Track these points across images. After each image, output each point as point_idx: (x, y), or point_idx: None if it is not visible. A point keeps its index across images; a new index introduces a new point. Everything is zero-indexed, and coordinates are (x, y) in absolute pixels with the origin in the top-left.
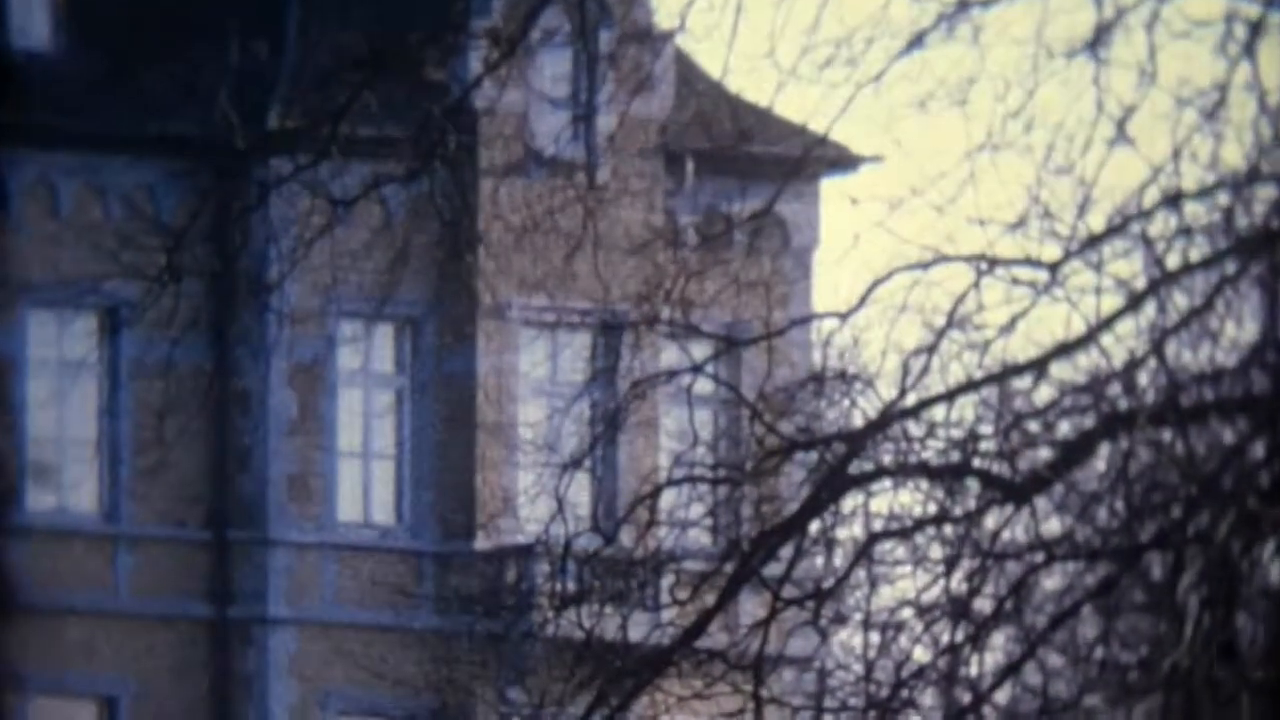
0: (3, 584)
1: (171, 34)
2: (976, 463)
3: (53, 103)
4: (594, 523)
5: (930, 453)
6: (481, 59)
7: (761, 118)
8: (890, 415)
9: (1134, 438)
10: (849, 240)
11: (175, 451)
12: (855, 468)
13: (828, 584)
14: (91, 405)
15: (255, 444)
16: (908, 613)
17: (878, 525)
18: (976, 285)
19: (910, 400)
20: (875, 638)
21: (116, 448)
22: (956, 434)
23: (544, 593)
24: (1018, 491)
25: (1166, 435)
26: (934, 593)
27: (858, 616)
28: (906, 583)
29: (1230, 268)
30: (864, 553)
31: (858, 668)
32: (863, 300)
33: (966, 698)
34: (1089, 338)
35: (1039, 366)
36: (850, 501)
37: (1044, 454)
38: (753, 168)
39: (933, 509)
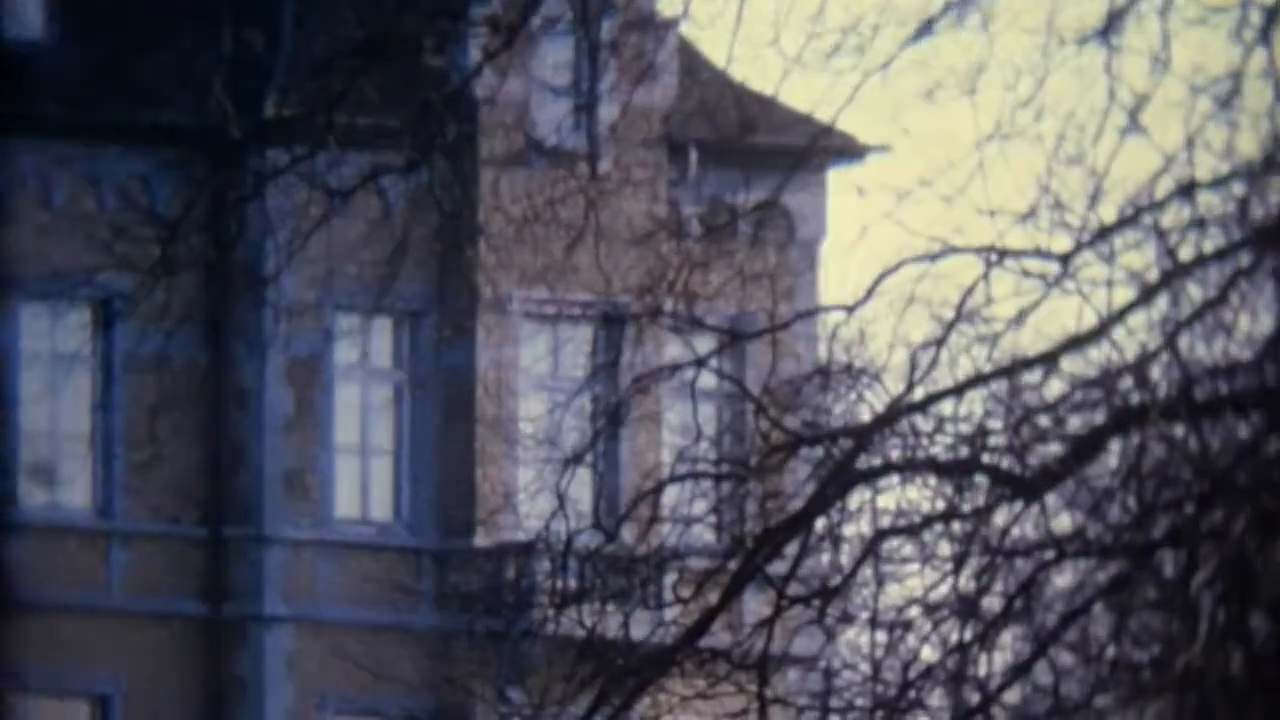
0: (3, 582)
1: (166, 23)
2: (986, 458)
3: (46, 92)
4: (595, 519)
5: (939, 448)
6: (481, 47)
7: (766, 107)
8: (898, 410)
9: (1146, 433)
10: (856, 231)
11: (170, 447)
12: (862, 463)
13: (834, 582)
14: (85, 399)
15: (251, 439)
16: (915, 611)
17: (885, 522)
18: (986, 277)
19: (918, 394)
20: (882, 637)
21: (110, 443)
22: (965, 429)
23: (545, 590)
24: (1028, 487)
25: (1179, 430)
26: (942, 591)
27: (864, 615)
28: (914, 581)
29: (1245, 259)
30: (871, 550)
31: (864, 667)
32: (870, 292)
33: (975, 698)
34: (1100, 331)
35: (1049, 360)
36: (857, 498)
37: (1054, 449)
38: (758, 158)
39: (941, 505)
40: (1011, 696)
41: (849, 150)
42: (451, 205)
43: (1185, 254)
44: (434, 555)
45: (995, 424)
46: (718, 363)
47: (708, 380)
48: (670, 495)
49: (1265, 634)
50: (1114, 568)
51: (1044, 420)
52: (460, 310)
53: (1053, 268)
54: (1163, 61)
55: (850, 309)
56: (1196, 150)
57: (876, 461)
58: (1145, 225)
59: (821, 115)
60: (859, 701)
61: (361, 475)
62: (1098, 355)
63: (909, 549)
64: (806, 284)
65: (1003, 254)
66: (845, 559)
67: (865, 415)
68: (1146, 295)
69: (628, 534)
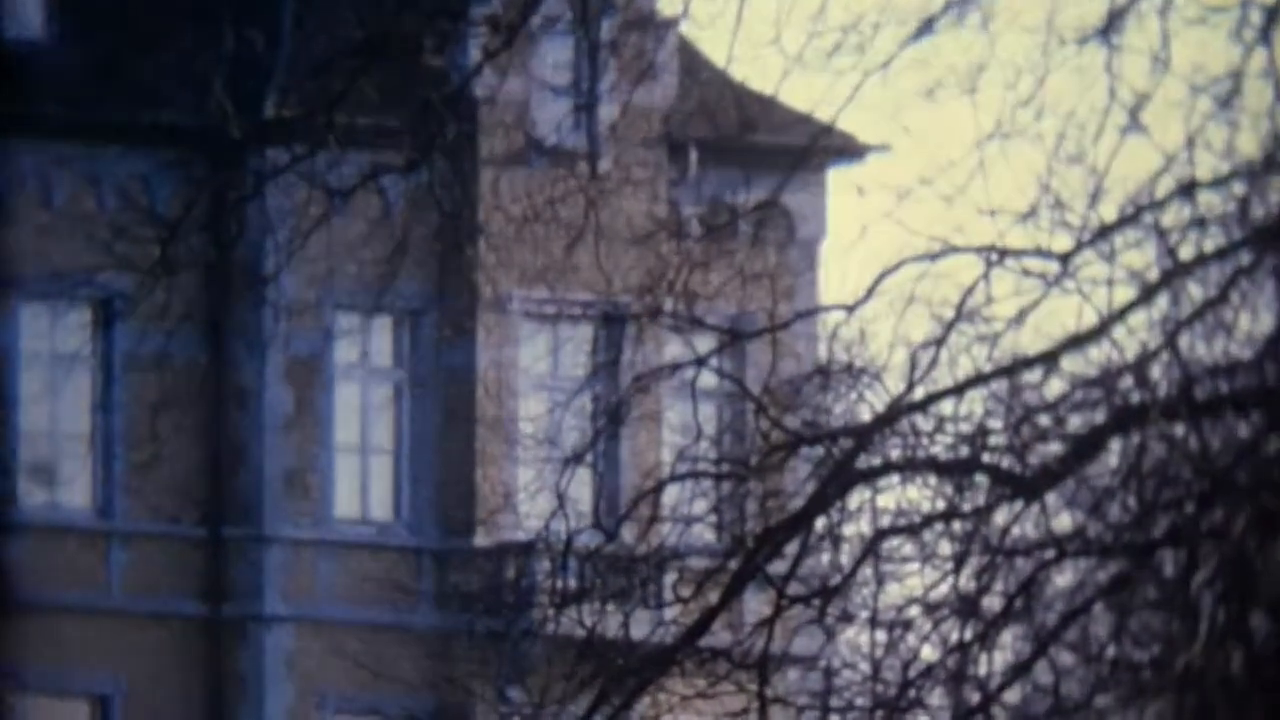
0: (2, 582)
1: (166, 22)
2: (986, 458)
3: (46, 92)
4: (595, 519)
5: (939, 447)
6: (481, 46)
7: (766, 106)
8: (898, 409)
9: (1147, 432)
10: (856, 231)
11: (170, 446)
12: (862, 463)
13: (834, 581)
14: (85, 399)
15: (251, 439)
16: (915, 611)
17: (885, 521)
18: (986, 277)
19: (918, 394)
20: (882, 636)
21: (110, 443)
22: (965, 428)
23: (544, 590)
24: (1028, 487)
25: (1180, 429)
26: (942, 590)
27: (864, 614)
28: (914, 580)
29: (1245, 259)
30: (871, 549)
31: (864, 667)
32: (870, 292)
33: (975, 697)
34: (1101, 330)
35: (1050, 359)
36: (857, 497)
37: (1055, 448)
38: (758, 157)
39: (941, 505)
40: (1012, 696)
41: (849, 150)
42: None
43: (1186, 253)
44: (434, 555)
45: (995, 423)
46: (718, 362)
47: (708, 380)
48: (670, 495)
49: (1265, 633)
50: (1114, 567)
51: (1044, 419)
52: (460, 310)
53: (1053, 267)
54: (1163, 61)
55: (850, 308)
56: (1197, 149)
57: (877, 461)
58: (1146, 224)
59: (822, 114)
60: (859, 701)
61: (361, 475)
62: (1098, 354)
63: (909, 548)
64: (806, 283)
65: (1003, 253)
66: (845, 558)
67: (865, 415)
68: (1147, 294)
69: (628, 533)
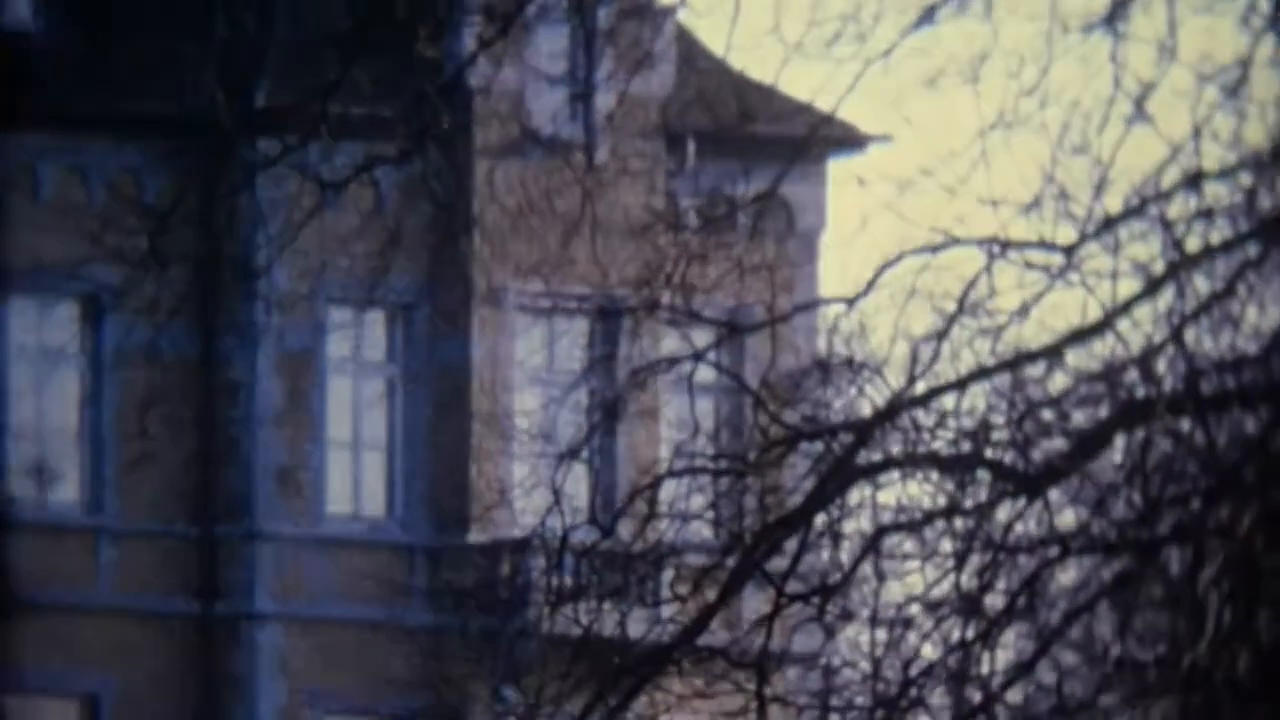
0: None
1: (155, 12)
2: (988, 453)
3: (34, 83)
4: (592, 515)
5: (940, 443)
6: (476, 35)
7: (766, 96)
8: (899, 404)
9: (1152, 427)
10: (856, 223)
11: (160, 443)
12: (862, 458)
13: (833, 579)
14: (73, 395)
15: (242, 434)
16: (916, 609)
17: (885, 518)
18: (988, 269)
19: (920, 388)
20: (883, 635)
21: (99, 439)
22: (967, 424)
23: (540, 588)
24: (1031, 483)
25: (1186, 425)
26: (944, 588)
27: (865, 612)
28: (915, 578)
29: (1252, 251)
30: (871, 547)
31: (865, 665)
32: (870, 285)
33: (977, 697)
34: (1105, 324)
35: (1053, 354)
36: (857, 493)
37: (1058, 444)
38: (757, 148)
39: (943, 501)
40: (1014, 695)
41: (849, 140)
42: (445, 196)
43: (1192, 245)
44: (427, 552)
45: (998, 418)
46: (716, 356)
47: (706, 374)
48: (668, 491)
49: (1272, 632)
50: (1119, 565)
51: (1047, 415)
52: (454, 303)
53: (1057, 259)
54: (1169, 49)
55: (851, 301)
56: (1203, 140)
57: (877, 456)
58: (1151, 216)
59: (822, 104)
60: (859, 700)
61: (354, 470)
62: (1102, 348)
63: (910, 545)
64: (806, 276)
65: (1006, 245)
66: (845, 555)
67: (866, 409)
68: (1152, 287)
69: (624, 530)
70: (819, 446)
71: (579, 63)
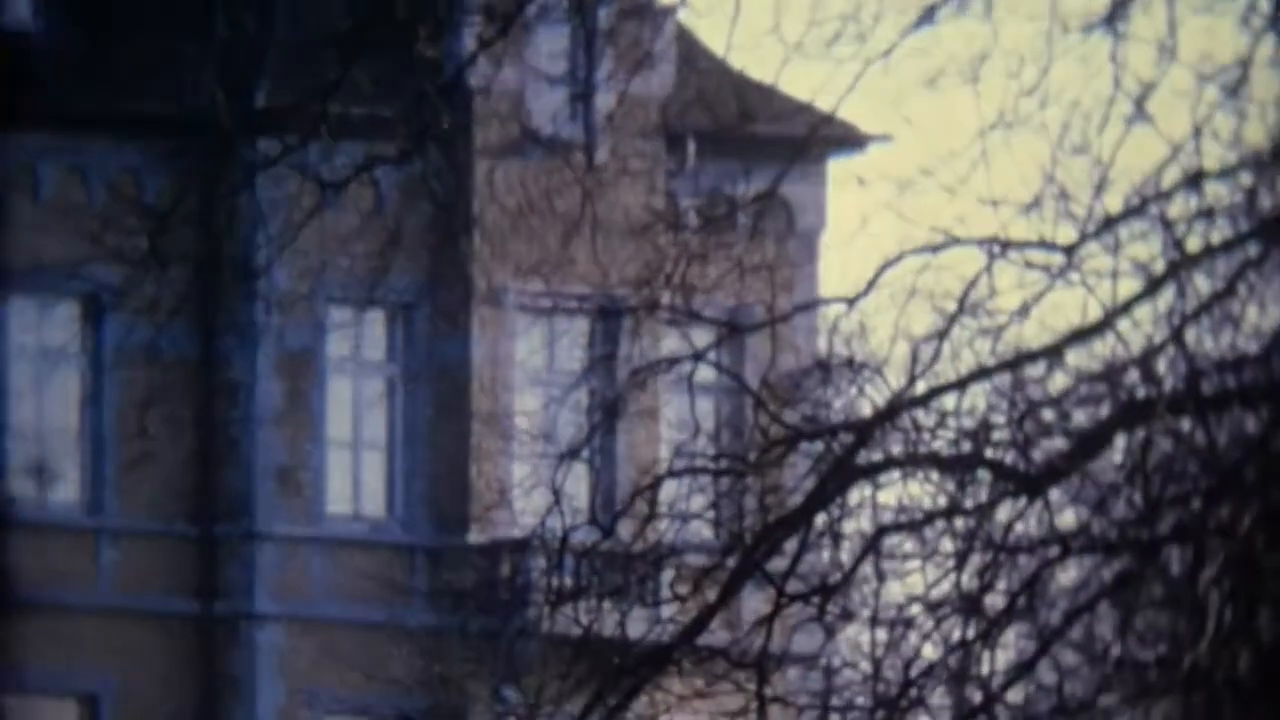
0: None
1: (155, 12)
2: (989, 453)
3: (33, 83)
4: (592, 515)
5: (941, 443)
6: (476, 35)
7: (766, 96)
8: (899, 404)
9: (1152, 427)
10: (856, 223)
11: (160, 443)
12: (863, 458)
13: (834, 579)
14: (73, 395)
15: (242, 434)
16: (917, 609)
17: (886, 518)
18: (989, 269)
19: (920, 388)
20: (883, 635)
21: (99, 439)
22: (968, 423)
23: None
24: (1031, 483)
25: (1186, 424)
26: (944, 588)
27: (865, 612)
28: (916, 578)
29: (1253, 250)
30: (872, 547)
31: (865, 666)
32: (871, 285)
33: (978, 697)
34: (1106, 323)
35: (1054, 353)
36: (857, 493)
37: (1059, 444)
38: (757, 148)
39: (943, 501)
40: (1015, 696)
41: (850, 140)
42: (445, 196)
43: (1192, 245)
44: (427, 552)
45: (998, 418)
46: (716, 356)
47: (706, 374)
48: (668, 491)
49: (1273, 632)
50: (1119, 565)
51: (1048, 414)
52: (454, 303)
53: (1057, 259)
54: (1169, 49)
55: (851, 301)
56: (1204, 139)
57: (877, 456)
58: (1151, 216)
59: (822, 104)
60: (859, 700)
61: (354, 470)
62: (1103, 348)
63: (910, 545)
64: (806, 276)
65: (1006, 245)
66: (845, 556)
67: (866, 409)
68: (1152, 287)
69: (625, 530)
70: (819, 446)
71: (579, 63)
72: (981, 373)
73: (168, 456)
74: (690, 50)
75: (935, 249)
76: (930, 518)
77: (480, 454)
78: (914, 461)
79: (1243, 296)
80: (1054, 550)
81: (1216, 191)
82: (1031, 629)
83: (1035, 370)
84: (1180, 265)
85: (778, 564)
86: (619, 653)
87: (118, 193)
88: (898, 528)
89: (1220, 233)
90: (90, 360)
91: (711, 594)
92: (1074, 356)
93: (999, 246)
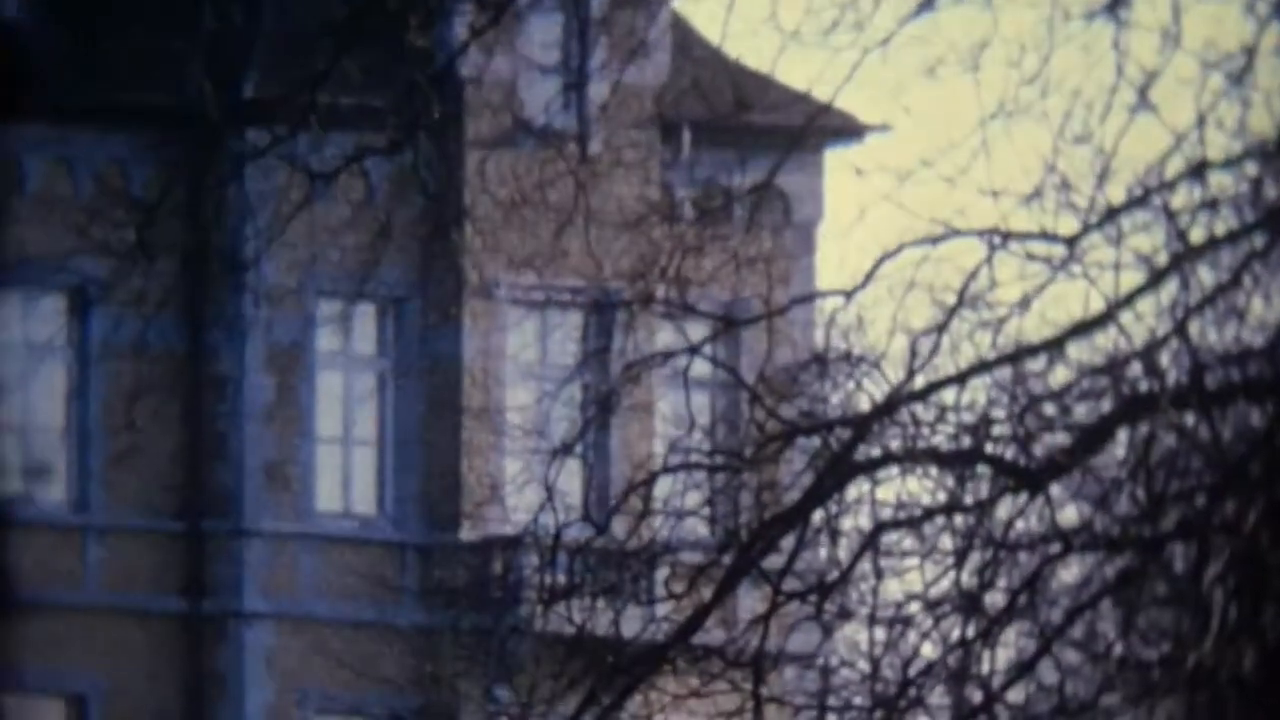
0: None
1: (143, 3)
2: (989, 448)
3: (22, 75)
4: (585, 512)
5: (940, 438)
6: (468, 24)
7: (762, 85)
8: (898, 399)
9: (1156, 422)
10: (854, 214)
11: (147, 438)
12: (861, 454)
13: (831, 577)
14: (59, 389)
15: (230, 429)
16: (916, 607)
17: (884, 515)
18: (989, 261)
19: (919, 383)
20: (881, 633)
21: (85, 434)
22: (968, 418)
23: (533, 586)
24: (1032, 479)
25: (1190, 419)
26: (944, 586)
27: (863, 611)
28: (915, 575)
29: (1258, 241)
30: (870, 544)
31: (863, 665)
32: (869, 277)
33: (978, 697)
34: (1108, 316)
35: (1055, 347)
36: (855, 490)
37: (1060, 439)
38: (753, 138)
39: (942, 497)
40: (1015, 695)
41: (847, 130)
42: (437, 188)
43: (1196, 236)
44: (418, 549)
45: (999, 413)
46: (711, 350)
47: (701, 368)
48: (662, 487)
49: (1278, 629)
50: (1122, 562)
51: (1049, 409)
52: (446, 296)
53: (1059, 251)
54: (1173, 36)
55: (848, 294)
56: (1208, 129)
57: (875, 452)
58: (1155, 206)
59: (819, 93)
60: (857, 700)
61: (344, 466)
62: (1105, 341)
63: (909, 542)
64: (803, 268)
65: (1007, 236)
66: (843, 553)
67: (864, 404)
68: (1156, 279)
69: (618, 527)
70: (816, 442)
71: (572, 52)
72: (982, 366)
73: (155, 452)
74: (685, 39)
75: (935, 240)
76: (929, 514)
77: (472, 450)
78: (913, 457)
79: (1247, 288)
80: (1055, 547)
81: (1221, 181)
82: (1032, 627)
83: (1036, 364)
84: (1184, 257)
85: (774, 561)
86: (613, 651)
87: (105, 185)
88: (896, 524)
89: (1225, 223)
90: (76, 354)
91: (707, 592)
92: (1076, 350)
93: (999, 238)
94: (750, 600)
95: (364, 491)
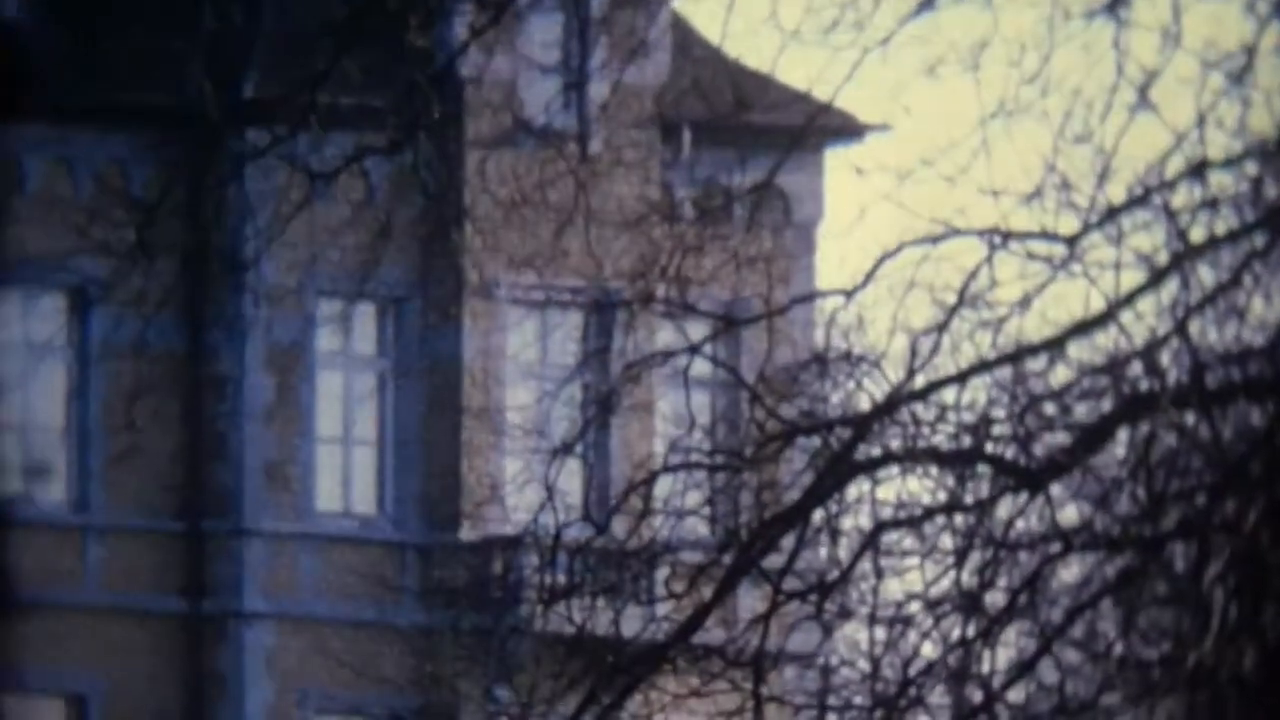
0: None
1: (143, 3)
2: (989, 448)
3: (22, 75)
4: (585, 512)
5: (940, 437)
6: (468, 24)
7: (762, 84)
8: (898, 398)
9: (1156, 421)
10: (854, 213)
11: (147, 438)
12: (861, 453)
13: (831, 576)
14: (59, 389)
15: (230, 429)
16: (916, 606)
17: (884, 514)
18: (989, 260)
19: (919, 382)
20: (881, 633)
21: (85, 434)
22: (968, 418)
23: (533, 585)
24: (1033, 478)
25: (1190, 418)
26: (944, 585)
27: (863, 610)
28: (915, 575)
29: (1258, 241)
30: (870, 543)
31: (863, 665)
32: (869, 277)
33: (978, 696)
34: (1108, 315)
35: (1055, 346)
36: (855, 489)
37: (1060, 438)
38: (753, 137)
39: (943, 497)
40: (1015, 695)
41: (848, 129)
42: (437, 187)
43: (1196, 235)
44: (418, 549)
45: (999, 412)
46: (712, 350)
47: (701, 368)
48: (663, 487)
49: (1279, 629)
50: (1122, 561)
51: (1050, 408)
52: (446, 296)
53: (1059, 250)
54: (1173, 36)
55: (849, 294)
56: (1208, 128)
57: (876, 451)
58: (1155, 206)
59: (819, 93)
60: (857, 700)
61: (344, 466)
62: (1105, 341)
63: (909, 542)
64: (803, 268)
65: (1007, 236)
66: (843, 552)
67: (864, 404)
68: (1156, 278)
69: (618, 527)
70: (816, 441)
71: (572, 51)
72: (982, 366)
73: (155, 452)
74: (685, 38)
75: (935, 240)
76: (930, 514)
77: (472, 450)
78: (913, 456)
79: (1248, 288)
80: (1055, 547)
81: (1221, 181)
82: (1032, 627)
83: (1036, 363)
84: (1184, 256)
85: (774, 561)
86: (613, 651)
87: (104, 184)
88: (896, 524)
89: (1225, 223)
90: (76, 354)
91: (707, 591)
92: (1076, 349)
93: (1000, 237)
94: (750, 600)
95: (364, 491)
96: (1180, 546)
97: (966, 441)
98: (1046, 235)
